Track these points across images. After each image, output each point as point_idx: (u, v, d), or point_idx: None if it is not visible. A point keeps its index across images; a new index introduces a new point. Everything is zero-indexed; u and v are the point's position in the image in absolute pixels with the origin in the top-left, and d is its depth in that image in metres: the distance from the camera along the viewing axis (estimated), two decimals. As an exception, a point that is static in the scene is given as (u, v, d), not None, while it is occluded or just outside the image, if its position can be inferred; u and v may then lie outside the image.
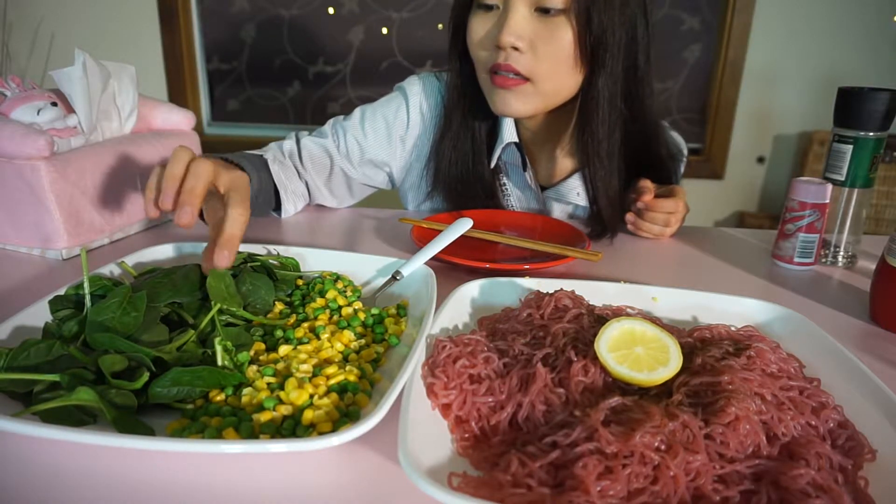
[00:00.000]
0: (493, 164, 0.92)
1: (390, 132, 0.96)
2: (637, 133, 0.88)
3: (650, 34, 0.83)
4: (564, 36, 0.77)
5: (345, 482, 0.38)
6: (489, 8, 0.80)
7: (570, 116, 0.89)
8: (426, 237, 0.74)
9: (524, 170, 0.93)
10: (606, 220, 0.86)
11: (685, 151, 1.03)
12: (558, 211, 0.98)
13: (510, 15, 0.77)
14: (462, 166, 0.92)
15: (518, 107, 0.83)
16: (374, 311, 0.55)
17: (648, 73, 0.85)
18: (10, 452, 0.39)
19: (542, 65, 0.79)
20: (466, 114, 0.90)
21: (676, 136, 1.03)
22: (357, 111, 0.97)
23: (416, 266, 0.62)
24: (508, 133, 0.90)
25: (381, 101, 0.97)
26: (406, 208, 1.05)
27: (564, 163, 0.95)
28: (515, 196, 0.96)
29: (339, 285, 0.58)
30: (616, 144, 0.85)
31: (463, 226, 0.75)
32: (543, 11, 0.77)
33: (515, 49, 0.78)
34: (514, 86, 0.81)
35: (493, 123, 0.92)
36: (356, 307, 0.55)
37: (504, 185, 0.96)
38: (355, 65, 2.47)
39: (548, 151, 0.96)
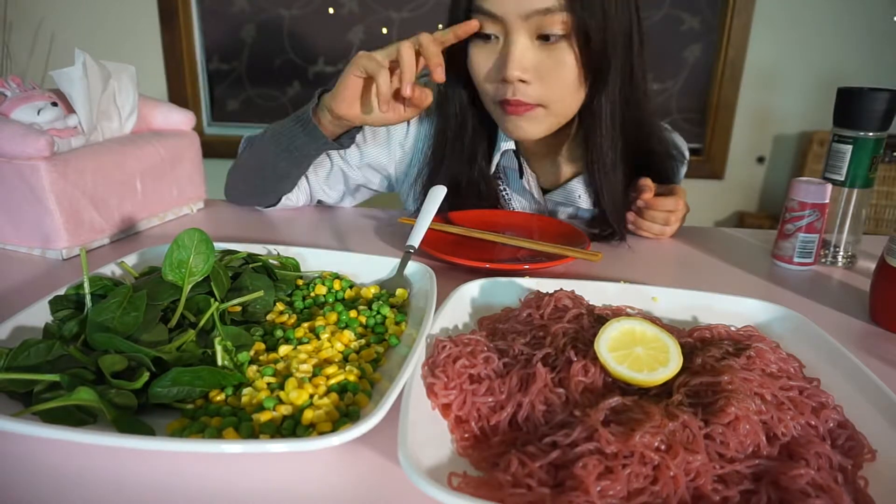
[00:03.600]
0: (492, 170, 0.92)
1: (390, 137, 0.96)
2: (635, 135, 0.88)
3: (643, 37, 0.82)
4: (567, 60, 0.77)
5: (345, 482, 0.38)
6: (487, 38, 0.78)
7: (571, 123, 0.89)
8: (425, 237, 0.74)
9: (520, 176, 0.93)
10: (615, 225, 0.86)
11: (686, 154, 1.03)
12: (560, 215, 0.98)
13: (513, 48, 0.75)
14: (461, 172, 0.91)
15: (531, 130, 0.82)
16: (383, 310, 0.55)
17: (644, 76, 0.85)
18: (10, 452, 0.39)
19: (550, 91, 0.79)
20: (466, 122, 0.90)
21: (678, 138, 1.02)
22: None
23: (421, 234, 0.70)
24: (506, 140, 0.90)
25: None
26: (407, 208, 1.05)
27: (565, 167, 0.95)
28: (516, 200, 0.97)
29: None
30: (619, 154, 0.85)
31: (439, 193, 0.78)
32: (544, 39, 0.76)
33: (522, 81, 0.77)
34: (526, 111, 0.80)
35: (493, 130, 0.91)
36: (364, 293, 0.57)
37: (504, 190, 0.96)
38: (355, 65, 2.46)
39: (548, 157, 0.96)
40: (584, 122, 0.84)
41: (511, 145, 0.90)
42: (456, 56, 0.85)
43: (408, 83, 0.72)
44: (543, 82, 0.78)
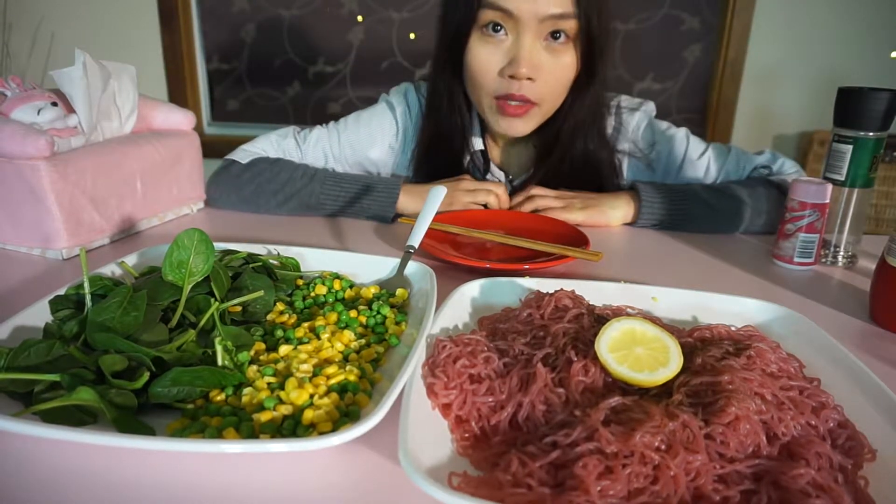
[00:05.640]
0: (465, 167, 0.99)
1: (383, 135, 1.03)
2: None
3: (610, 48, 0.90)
4: (568, 60, 0.84)
5: (345, 482, 0.38)
6: (496, 31, 0.83)
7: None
8: (425, 237, 0.74)
9: (484, 174, 0.99)
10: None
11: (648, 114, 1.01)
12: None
13: (525, 46, 0.81)
14: (439, 170, 0.98)
15: (523, 129, 0.90)
16: (383, 310, 0.55)
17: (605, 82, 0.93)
18: (10, 452, 0.39)
19: (549, 89, 0.85)
20: (446, 124, 0.96)
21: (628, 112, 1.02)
22: (349, 117, 1.04)
23: (421, 234, 0.69)
24: (477, 142, 0.98)
25: (368, 109, 1.05)
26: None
27: (528, 156, 1.01)
28: None
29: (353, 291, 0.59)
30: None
31: (439, 193, 0.78)
32: (552, 39, 0.82)
33: (529, 79, 0.83)
34: (523, 113, 0.87)
35: (467, 130, 0.98)
36: (361, 293, 0.58)
37: None
38: (355, 65, 2.46)
39: (514, 150, 1.02)
40: (567, 117, 0.92)
41: (480, 146, 0.98)
42: (456, 54, 0.89)
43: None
44: (545, 80, 0.84)
